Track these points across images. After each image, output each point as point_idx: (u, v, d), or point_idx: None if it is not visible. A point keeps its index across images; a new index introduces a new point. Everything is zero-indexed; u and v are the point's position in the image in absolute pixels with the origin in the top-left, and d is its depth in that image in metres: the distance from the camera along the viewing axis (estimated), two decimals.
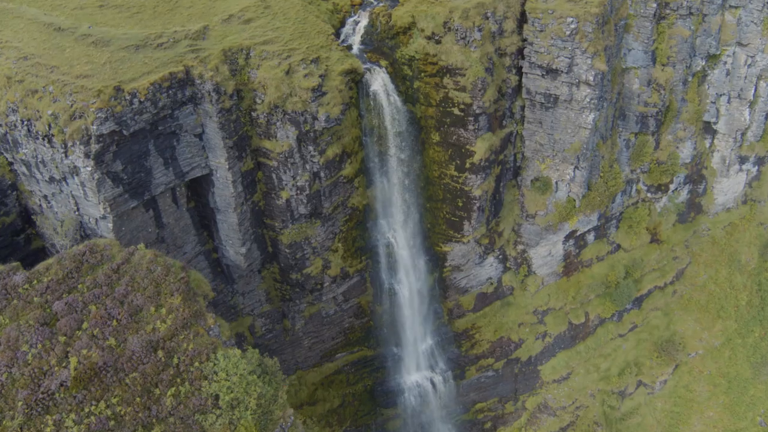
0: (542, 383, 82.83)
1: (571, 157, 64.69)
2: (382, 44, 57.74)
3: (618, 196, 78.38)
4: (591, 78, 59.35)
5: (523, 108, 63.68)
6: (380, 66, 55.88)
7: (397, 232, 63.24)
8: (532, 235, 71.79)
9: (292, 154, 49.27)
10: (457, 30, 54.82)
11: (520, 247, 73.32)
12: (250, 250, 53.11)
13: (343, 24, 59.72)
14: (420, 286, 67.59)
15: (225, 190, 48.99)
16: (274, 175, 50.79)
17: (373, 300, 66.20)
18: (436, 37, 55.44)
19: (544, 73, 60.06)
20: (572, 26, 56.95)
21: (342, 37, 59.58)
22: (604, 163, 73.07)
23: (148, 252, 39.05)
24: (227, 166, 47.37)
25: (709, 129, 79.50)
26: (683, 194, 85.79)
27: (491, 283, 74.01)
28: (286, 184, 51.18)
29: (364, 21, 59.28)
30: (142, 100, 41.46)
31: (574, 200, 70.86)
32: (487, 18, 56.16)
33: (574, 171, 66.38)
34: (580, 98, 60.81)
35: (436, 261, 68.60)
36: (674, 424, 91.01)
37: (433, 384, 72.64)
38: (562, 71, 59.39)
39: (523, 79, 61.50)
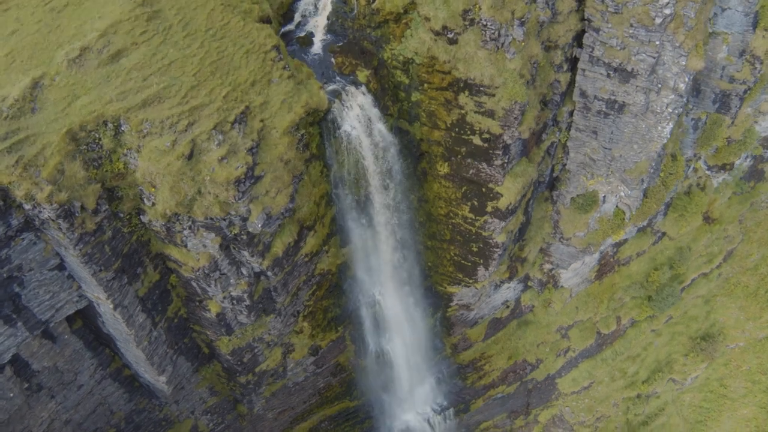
0: (559, 394, 70.72)
1: (633, 180, 45.77)
2: (360, 35, 36.22)
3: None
4: (682, 84, 38.73)
5: (571, 113, 43.28)
6: (357, 84, 34.98)
7: (385, 287, 46.18)
8: (565, 257, 54.76)
9: (215, 267, 30.86)
10: (485, 26, 33.28)
11: (547, 267, 56.65)
12: (173, 372, 36.53)
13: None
14: (417, 335, 52.10)
15: (117, 325, 31.37)
16: (194, 284, 32.83)
17: (355, 354, 51.01)
18: (450, 34, 34.03)
19: (611, 72, 39.08)
20: (666, 11, 35.07)
21: (296, 18, 37.55)
22: (667, 158, 53.81)
23: None
24: (111, 305, 29.32)
25: None
26: (746, 164, 67.11)
27: (507, 306, 58.47)
28: (214, 295, 33.30)
29: None
30: None
31: (624, 212, 52.87)
32: (535, 1, 34.28)
33: (632, 189, 47.79)
34: (659, 108, 40.55)
35: (438, 301, 52.31)
36: (701, 420, 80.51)
37: (431, 425, 60.15)
38: (639, 74, 38.50)
39: (578, 77, 40.51)
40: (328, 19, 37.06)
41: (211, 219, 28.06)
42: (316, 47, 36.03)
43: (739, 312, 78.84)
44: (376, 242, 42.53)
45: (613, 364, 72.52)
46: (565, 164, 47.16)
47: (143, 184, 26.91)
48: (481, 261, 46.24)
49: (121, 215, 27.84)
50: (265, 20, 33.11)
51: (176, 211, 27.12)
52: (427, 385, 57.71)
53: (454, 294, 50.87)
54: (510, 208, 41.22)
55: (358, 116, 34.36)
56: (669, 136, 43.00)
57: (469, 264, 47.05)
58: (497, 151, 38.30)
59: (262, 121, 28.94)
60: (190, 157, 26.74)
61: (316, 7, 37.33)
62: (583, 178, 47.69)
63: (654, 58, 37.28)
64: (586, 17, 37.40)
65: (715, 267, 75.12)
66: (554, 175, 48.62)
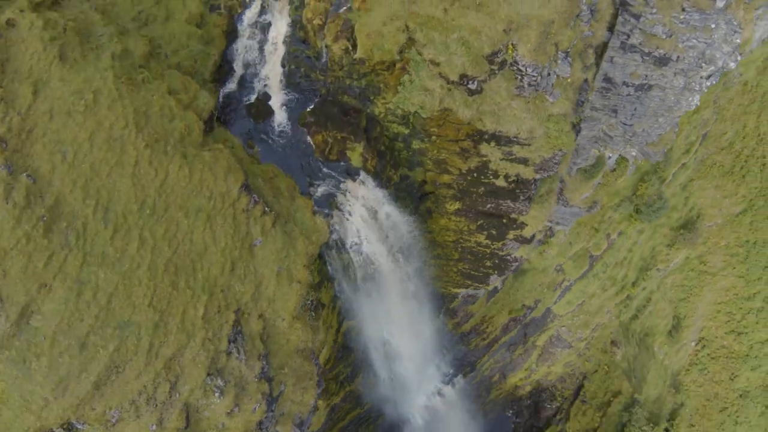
0: (554, 317, 69.91)
1: (657, 153, 39.15)
2: (337, 88, 25.33)
3: None
4: (733, 63, 31.09)
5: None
6: (352, 172, 24.77)
7: (395, 323, 39.93)
8: (568, 216, 49.29)
9: None
10: (522, 71, 23.61)
11: (546, 225, 51.36)
12: None
13: (233, 40, 25.40)
14: (424, 339, 47.34)
15: None
16: None
17: (362, 383, 46.05)
18: (472, 84, 24.18)
19: (646, 57, 30.42)
20: None
21: (237, 71, 25.84)
22: None
23: None
24: None
25: None
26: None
27: None
28: None
29: (281, 30, 25.26)
30: None
31: (627, 160, 46.94)
32: (580, 16, 24.30)
33: (654, 159, 41.48)
34: (697, 86, 32.88)
35: (442, 300, 46.70)
36: (684, 298, 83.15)
37: (442, 394, 58.10)
38: (683, 59, 30.11)
39: (604, 65, 31.62)
40: (283, 66, 25.86)
41: None
42: (280, 117, 25.37)
43: (715, 191, 77.73)
44: (385, 303, 35.50)
45: (603, 276, 71.44)
46: (576, 140, 39.65)
47: None
48: (495, 272, 40.27)
49: None
50: (207, 120, 22.22)
51: None
52: (432, 365, 54.44)
53: (459, 293, 45.39)
54: (535, 235, 34.42)
55: (363, 216, 25.40)
56: (698, 104, 36.03)
57: (480, 274, 41.02)
58: (524, 190, 30.49)
59: (260, 317, 20.12)
60: (187, 426, 18.27)
61: (261, 52, 25.81)
62: (595, 151, 40.68)
63: (707, 43, 28.96)
64: (622, 1, 27.85)
65: (692, 155, 72.33)
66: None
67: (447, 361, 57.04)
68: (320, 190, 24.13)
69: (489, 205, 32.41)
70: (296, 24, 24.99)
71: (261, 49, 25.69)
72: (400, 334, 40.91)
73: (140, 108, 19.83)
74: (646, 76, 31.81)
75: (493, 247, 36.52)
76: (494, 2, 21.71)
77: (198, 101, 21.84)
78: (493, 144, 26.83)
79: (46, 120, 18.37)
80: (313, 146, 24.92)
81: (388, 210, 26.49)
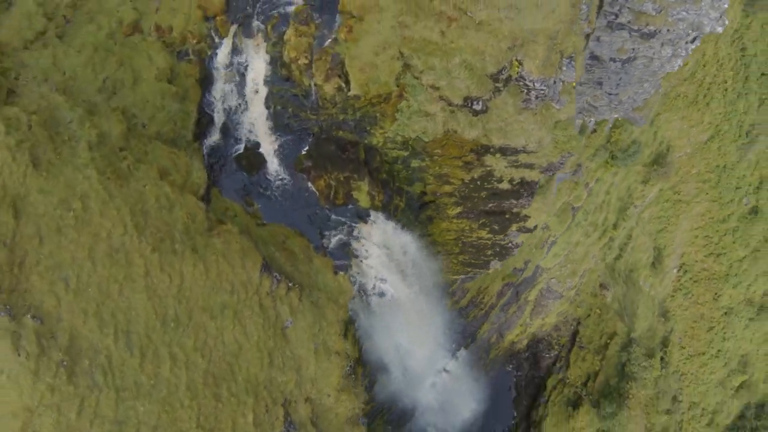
0: (542, 271, 70.69)
1: (643, 117, 38.54)
2: (331, 124, 23.17)
3: None
4: (720, 27, 30.25)
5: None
6: (362, 214, 22.90)
7: (406, 325, 39.25)
8: None
9: None
10: (529, 86, 22.11)
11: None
12: None
13: (209, 87, 22.89)
14: (431, 333, 47.08)
15: None
16: None
17: (377, 388, 45.70)
18: (477, 104, 22.57)
19: (633, 32, 29.22)
20: None
21: (217, 121, 23.46)
22: None
23: None
24: None
25: None
26: None
27: None
28: None
29: (259, 69, 22.93)
30: None
31: (607, 121, 46.50)
32: (579, 15, 22.65)
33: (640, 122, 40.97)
34: (684, 51, 32.02)
35: (443, 290, 46.07)
36: (662, 228, 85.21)
37: (447, 371, 58.46)
38: (671, 30, 29.06)
39: (590, 44, 30.26)
40: (268, 108, 23.66)
41: None
42: (274, 165, 23.37)
43: (682, 122, 78.51)
44: (398, 314, 34.64)
45: (585, 223, 72.08)
46: None
47: None
48: (496, 258, 39.70)
49: None
50: (203, 197, 20.22)
51: None
52: (438, 347, 54.46)
53: (458, 279, 44.82)
54: (537, 225, 33.78)
55: (380, 257, 24.09)
56: (681, 65, 35.33)
57: (481, 262, 40.40)
58: (529, 189, 29.54)
59: (307, 400, 18.98)
60: None
61: (241, 96, 23.47)
62: (580, 121, 39.76)
63: (697, 14, 27.94)
64: None
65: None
66: None
67: (449, 338, 57.09)
68: (333, 240, 22.60)
69: (491, 205, 31.47)
70: (276, 62, 22.75)
71: (241, 93, 23.45)
72: (410, 332, 40.38)
73: (135, 206, 17.76)
74: (633, 49, 30.77)
75: (495, 239, 35.85)
76: (495, 20, 20.02)
77: (192, 177, 19.82)
78: (498, 155, 25.62)
79: (35, 245, 16.23)
80: (317, 193, 23.20)
81: (403, 240, 25.22)
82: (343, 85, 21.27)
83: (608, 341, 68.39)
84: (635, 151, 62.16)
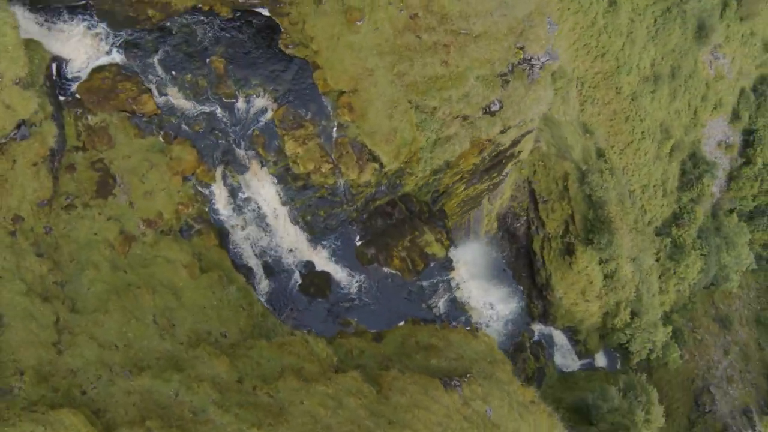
0: None
1: None
2: (365, 200, 20.59)
3: None
4: None
5: None
6: (447, 264, 21.08)
7: None
8: None
9: None
10: (534, 63, 20.65)
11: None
12: None
13: (226, 238, 19.61)
14: None
15: None
16: None
17: None
18: (495, 105, 20.98)
19: None
20: None
21: (254, 265, 20.44)
22: None
23: None
24: None
25: None
26: None
27: None
28: None
29: (269, 194, 19.91)
30: None
31: None
32: None
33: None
34: None
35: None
36: None
37: None
38: None
39: None
40: (297, 224, 20.95)
41: None
42: (341, 275, 21.10)
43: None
44: None
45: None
46: None
47: None
48: (489, 194, 39.67)
49: None
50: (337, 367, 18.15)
51: None
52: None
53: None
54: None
55: (477, 287, 23.40)
56: None
57: (476, 200, 40.23)
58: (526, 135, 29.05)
59: None
60: None
61: (264, 229, 20.45)
62: None
63: None
64: None
65: None
66: None
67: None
68: (441, 305, 21.58)
69: (490, 164, 30.92)
70: (285, 177, 20.00)
71: (263, 227, 20.73)
72: None
73: (313, 430, 15.75)
74: None
75: (492, 182, 35.68)
76: (491, 24, 18.40)
77: (318, 354, 17.74)
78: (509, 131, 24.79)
79: None
80: (398, 272, 21.67)
81: (474, 255, 24.58)
82: (377, 166, 19.22)
83: (565, 183, 71.54)
84: None
